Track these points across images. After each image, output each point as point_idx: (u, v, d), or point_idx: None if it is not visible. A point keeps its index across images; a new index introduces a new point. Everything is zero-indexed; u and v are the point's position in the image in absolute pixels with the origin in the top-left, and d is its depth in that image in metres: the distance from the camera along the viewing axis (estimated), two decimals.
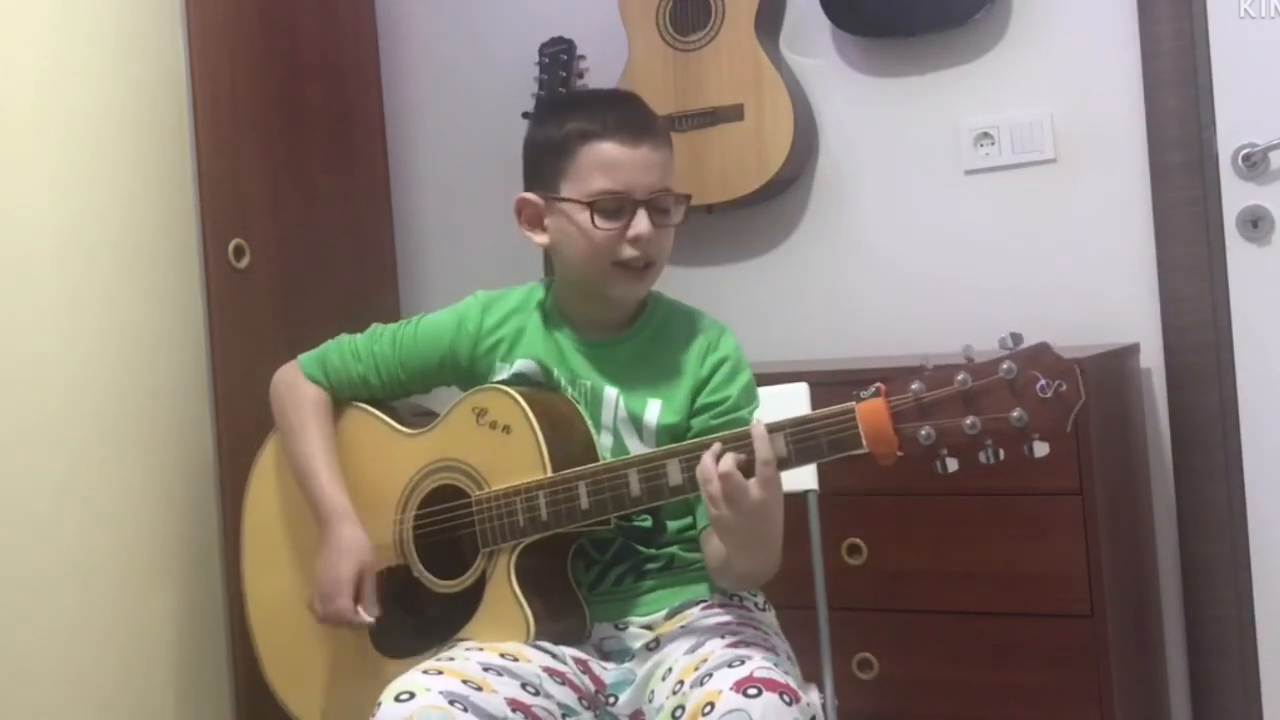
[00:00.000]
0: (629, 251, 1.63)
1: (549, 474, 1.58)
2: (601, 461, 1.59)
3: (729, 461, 1.44)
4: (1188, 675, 2.41)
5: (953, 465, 1.38)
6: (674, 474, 1.51)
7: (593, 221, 1.62)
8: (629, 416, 1.69)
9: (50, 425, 1.94)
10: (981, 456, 1.36)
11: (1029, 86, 2.50)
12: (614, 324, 1.74)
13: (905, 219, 2.60)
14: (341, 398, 1.80)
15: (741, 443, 1.46)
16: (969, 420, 1.35)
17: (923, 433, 1.37)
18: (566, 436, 1.62)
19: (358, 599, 1.68)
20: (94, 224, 2.03)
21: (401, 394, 1.82)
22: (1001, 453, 1.35)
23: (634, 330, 1.74)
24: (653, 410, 1.68)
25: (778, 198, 2.65)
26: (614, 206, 1.62)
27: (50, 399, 1.94)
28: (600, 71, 2.61)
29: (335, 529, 1.71)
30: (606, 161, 1.62)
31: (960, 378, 1.35)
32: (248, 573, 1.90)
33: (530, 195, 1.69)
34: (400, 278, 2.82)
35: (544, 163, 1.67)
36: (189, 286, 2.20)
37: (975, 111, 2.53)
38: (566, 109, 1.72)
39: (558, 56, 2.62)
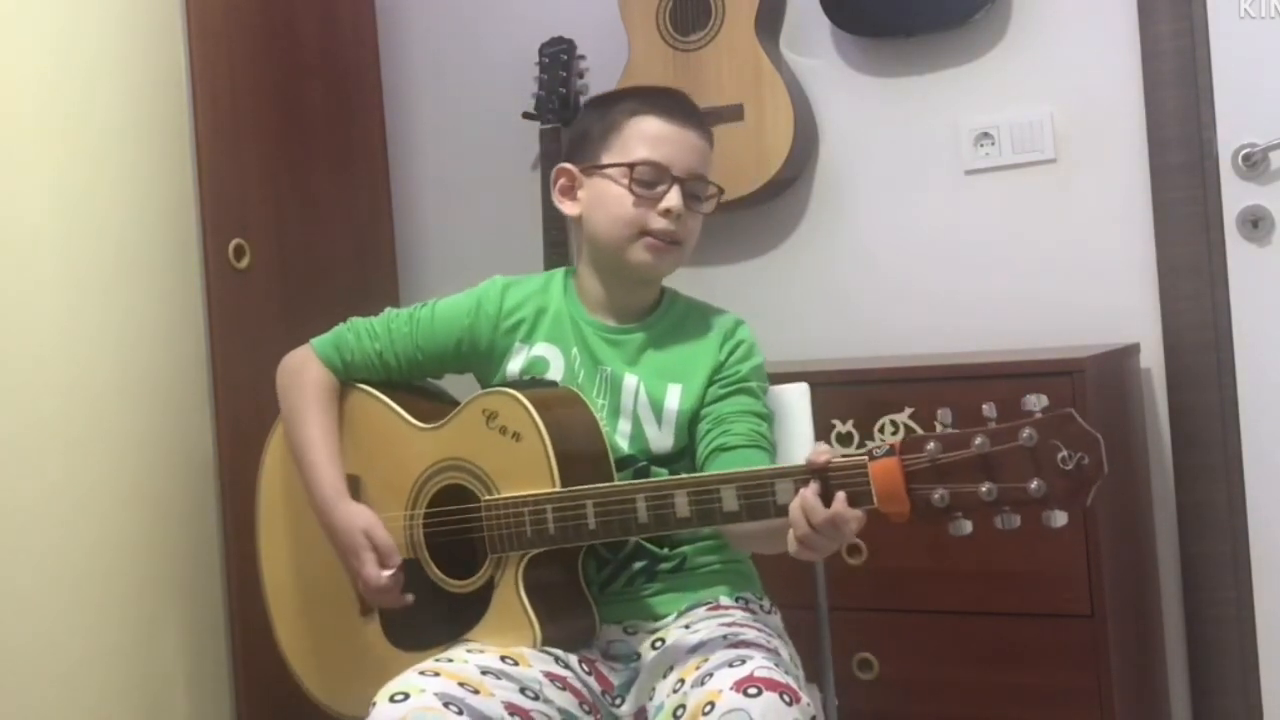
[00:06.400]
0: (658, 222, 1.66)
1: (557, 487, 1.57)
2: (613, 482, 1.58)
3: (842, 500, 1.37)
4: (1188, 675, 2.41)
5: (967, 527, 1.33)
6: (681, 506, 1.48)
7: (630, 187, 1.66)
8: (649, 402, 1.70)
9: (50, 425, 1.94)
10: (997, 522, 1.31)
11: (1029, 86, 2.49)
12: (634, 311, 1.76)
13: (905, 219, 2.60)
14: (355, 378, 1.79)
15: (803, 477, 1.41)
16: (985, 487, 1.30)
17: (936, 495, 1.32)
18: (578, 447, 1.62)
19: (382, 564, 1.66)
20: (94, 224, 2.03)
21: (418, 375, 1.82)
22: (1018, 519, 1.31)
23: (654, 318, 1.76)
24: (673, 396, 1.70)
25: (777, 198, 2.65)
26: (652, 177, 1.67)
27: (50, 399, 1.94)
28: (600, 71, 2.61)
29: (335, 512, 1.71)
30: (651, 134, 1.68)
31: (978, 441, 1.30)
32: (263, 551, 1.89)
33: (569, 165, 1.74)
34: (400, 278, 2.82)
35: (590, 137, 1.73)
36: (189, 286, 2.20)
37: (975, 111, 2.53)
38: (618, 95, 1.80)
39: (558, 56, 2.63)
